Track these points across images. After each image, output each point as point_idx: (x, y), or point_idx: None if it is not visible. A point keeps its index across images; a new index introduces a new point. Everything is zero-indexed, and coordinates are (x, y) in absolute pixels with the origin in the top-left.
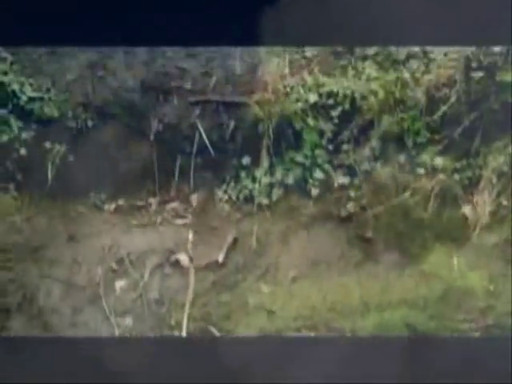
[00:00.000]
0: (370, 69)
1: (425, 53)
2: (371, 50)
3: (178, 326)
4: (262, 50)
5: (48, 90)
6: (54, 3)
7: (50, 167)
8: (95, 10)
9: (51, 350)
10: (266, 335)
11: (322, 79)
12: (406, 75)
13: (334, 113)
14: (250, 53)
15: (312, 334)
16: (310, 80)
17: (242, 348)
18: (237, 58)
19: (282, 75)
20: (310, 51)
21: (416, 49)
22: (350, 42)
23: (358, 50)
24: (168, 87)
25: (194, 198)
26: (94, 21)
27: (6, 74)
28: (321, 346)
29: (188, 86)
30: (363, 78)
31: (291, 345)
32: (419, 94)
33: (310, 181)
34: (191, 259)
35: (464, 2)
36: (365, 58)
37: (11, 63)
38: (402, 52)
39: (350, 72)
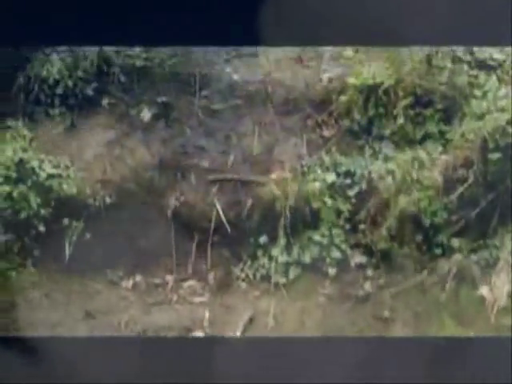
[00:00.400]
0: (387, 148)
1: (441, 133)
2: (388, 130)
3: None
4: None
5: (67, 167)
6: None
7: (67, 244)
8: None
9: None
10: None
11: (340, 159)
12: (423, 155)
13: (351, 192)
14: (268, 132)
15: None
16: (327, 159)
17: None
18: (254, 136)
19: (300, 154)
20: (327, 130)
21: (434, 129)
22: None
23: (375, 130)
24: (186, 165)
25: (211, 276)
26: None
27: (25, 150)
28: None
29: (206, 164)
30: (380, 158)
31: None
32: (436, 175)
33: (327, 260)
34: None
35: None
36: (381, 137)
37: (30, 140)
38: (418, 132)
39: (367, 152)
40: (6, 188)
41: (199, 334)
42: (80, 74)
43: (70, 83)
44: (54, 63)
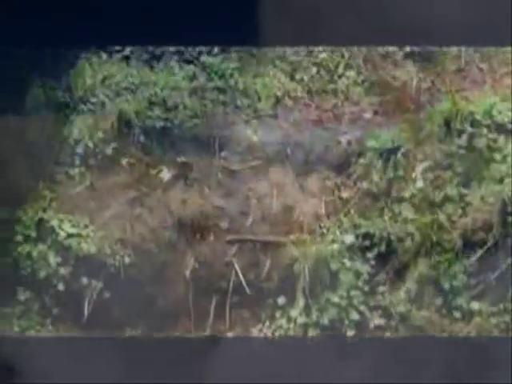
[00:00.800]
0: (406, 211)
1: (461, 196)
2: (407, 193)
3: None
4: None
5: (86, 227)
6: None
7: (86, 302)
8: None
9: None
10: None
11: (359, 220)
12: (442, 218)
13: (370, 254)
14: (287, 193)
15: None
16: (346, 221)
17: None
18: (273, 197)
19: (319, 216)
20: (346, 192)
21: (453, 192)
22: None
23: (393, 193)
24: (205, 225)
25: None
26: None
27: (45, 210)
28: None
29: (225, 224)
30: (399, 220)
31: None
32: (455, 237)
33: (346, 322)
34: None
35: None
36: (401, 200)
37: (51, 200)
38: (438, 195)
39: (387, 214)
40: (26, 247)
41: None
42: (100, 134)
43: (91, 143)
44: (74, 123)
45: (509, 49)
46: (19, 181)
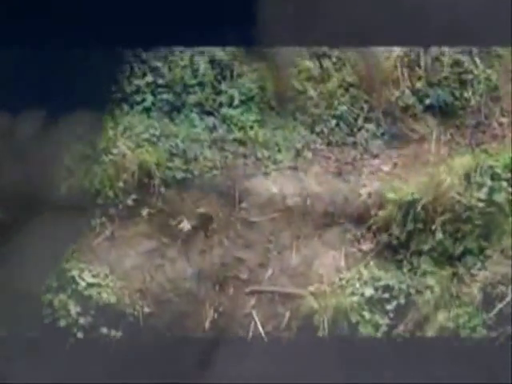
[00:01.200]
0: (426, 264)
1: (480, 249)
2: (427, 246)
3: None
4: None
5: (106, 277)
6: None
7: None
8: None
9: None
10: None
11: (378, 273)
12: (462, 271)
13: (390, 306)
14: (306, 245)
15: None
16: (365, 273)
17: None
18: (293, 249)
19: (338, 268)
20: (366, 244)
21: (473, 245)
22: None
23: (412, 245)
24: (225, 276)
25: None
26: None
27: (66, 260)
28: None
29: (244, 275)
30: (419, 273)
31: None
32: (475, 291)
33: None
34: None
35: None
36: (420, 252)
37: (72, 250)
38: (457, 248)
39: (406, 266)
40: (48, 296)
41: None
42: (121, 184)
43: (111, 194)
44: (95, 173)
45: None
46: None
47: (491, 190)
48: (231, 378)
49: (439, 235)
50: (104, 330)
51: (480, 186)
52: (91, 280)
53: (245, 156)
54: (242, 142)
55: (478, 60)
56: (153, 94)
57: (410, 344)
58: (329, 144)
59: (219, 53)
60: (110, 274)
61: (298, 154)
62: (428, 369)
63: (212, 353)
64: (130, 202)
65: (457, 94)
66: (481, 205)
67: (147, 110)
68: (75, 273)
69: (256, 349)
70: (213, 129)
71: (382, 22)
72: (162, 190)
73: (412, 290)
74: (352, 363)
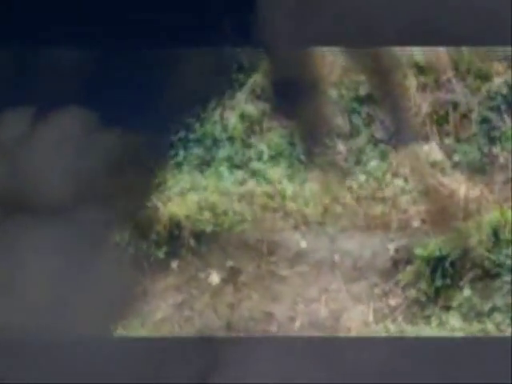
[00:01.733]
0: (454, 319)
1: (509, 306)
2: (455, 301)
3: None
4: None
5: (137, 329)
6: None
7: None
8: None
9: None
10: None
11: (406, 328)
12: (491, 328)
13: None
14: (334, 299)
15: None
16: (393, 328)
17: None
18: (321, 303)
19: (366, 322)
20: (394, 299)
21: (501, 301)
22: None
23: (441, 301)
24: (253, 330)
25: None
26: None
27: None
28: None
29: (273, 329)
30: (447, 329)
31: None
32: None
33: None
34: None
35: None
36: (449, 308)
37: None
38: (486, 304)
39: (434, 321)
40: None
41: None
42: (153, 236)
43: (144, 246)
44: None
45: None
46: None
47: None
48: None
49: (467, 291)
50: None
51: (508, 242)
52: (123, 332)
53: (273, 210)
54: (270, 196)
55: (506, 116)
56: (184, 148)
57: None
58: (357, 199)
59: (249, 108)
60: (141, 326)
61: (327, 208)
62: None
63: None
64: (160, 254)
65: (485, 150)
66: (509, 261)
67: (178, 165)
68: None
69: None
70: (242, 182)
71: (397, 21)
72: (192, 242)
73: None
74: None
